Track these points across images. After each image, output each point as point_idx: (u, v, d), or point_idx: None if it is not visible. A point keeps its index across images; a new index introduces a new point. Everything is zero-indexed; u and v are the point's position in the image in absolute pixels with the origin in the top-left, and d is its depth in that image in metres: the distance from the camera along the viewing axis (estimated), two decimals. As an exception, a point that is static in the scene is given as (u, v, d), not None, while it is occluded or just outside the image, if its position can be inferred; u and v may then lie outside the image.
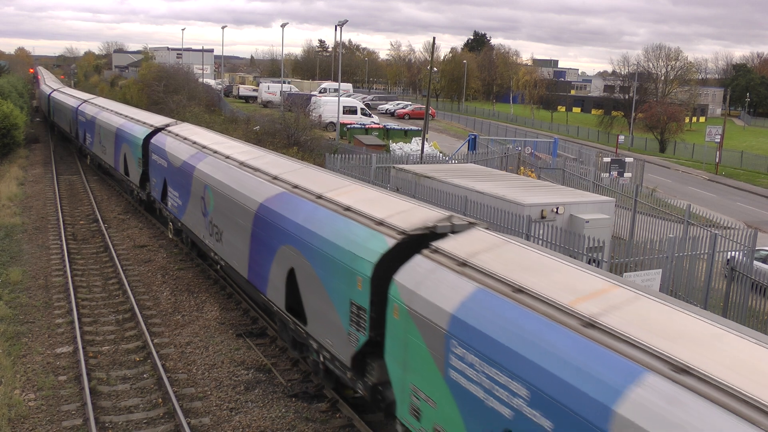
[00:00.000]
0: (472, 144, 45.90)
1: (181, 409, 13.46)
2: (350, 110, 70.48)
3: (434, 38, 57.40)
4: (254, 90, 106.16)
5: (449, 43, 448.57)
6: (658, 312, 8.04)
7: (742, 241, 20.28)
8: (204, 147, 22.32)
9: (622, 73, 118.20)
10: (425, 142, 48.61)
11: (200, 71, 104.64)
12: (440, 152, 48.38)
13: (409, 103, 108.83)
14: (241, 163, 19.15)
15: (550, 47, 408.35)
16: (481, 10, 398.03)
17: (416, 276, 10.55)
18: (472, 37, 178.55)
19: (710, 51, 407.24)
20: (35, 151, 52.15)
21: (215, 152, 21.29)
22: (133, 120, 32.30)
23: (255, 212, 16.24)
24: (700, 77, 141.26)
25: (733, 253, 19.60)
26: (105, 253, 24.59)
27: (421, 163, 34.13)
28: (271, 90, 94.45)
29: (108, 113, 37.36)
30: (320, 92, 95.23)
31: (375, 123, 67.27)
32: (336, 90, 74.81)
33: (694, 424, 6.34)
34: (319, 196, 14.55)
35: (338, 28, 60.96)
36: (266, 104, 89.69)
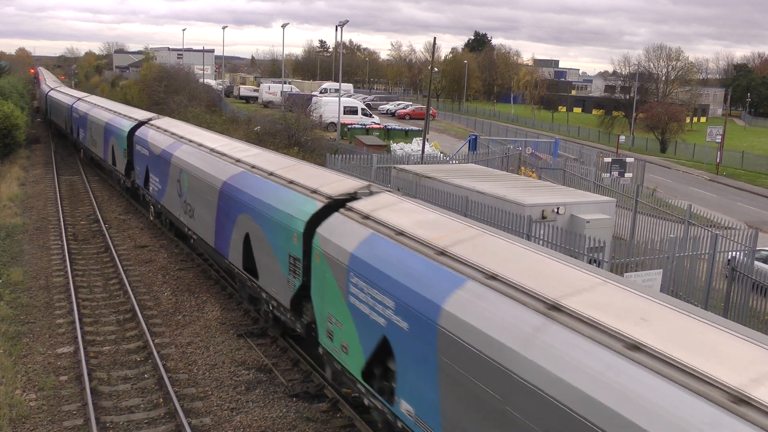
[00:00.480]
0: (473, 144, 45.90)
1: (182, 409, 13.47)
2: (351, 110, 70.47)
3: (435, 38, 57.44)
4: (255, 90, 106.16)
5: (450, 43, 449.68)
6: (491, 243, 10.70)
7: (743, 242, 20.27)
8: (181, 137, 25.24)
9: (623, 73, 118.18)
10: (426, 143, 48.62)
11: (201, 72, 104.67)
12: (441, 152, 48.41)
13: (410, 103, 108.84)
14: (211, 150, 22.07)
15: (551, 47, 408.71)
16: (481, 10, 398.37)
17: (331, 228, 13.14)
18: (472, 38, 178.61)
19: (710, 51, 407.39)
20: (36, 151, 52.17)
21: (190, 141, 24.16)
22: (120, 115, 35.67)
23: (219, 189, 19.01)
24: (701, 77, 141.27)
25: (734, 253, 19.60)
26: (106, 254, 24.60)
27: (421, 163, 34.15)
28: (271, 90, 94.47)
29: (98, 109, 40.31)
30: (321, 92, 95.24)
31: (376, 123, 67.24)
32: (337, 90, 74.80)
33: (490, 310, 8.91)
34: (271, 173, 17.26)
35: (339, 28, 60.99)
36: (267, 104, 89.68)
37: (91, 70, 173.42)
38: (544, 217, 19.68)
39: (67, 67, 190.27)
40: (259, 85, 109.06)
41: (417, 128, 63.50)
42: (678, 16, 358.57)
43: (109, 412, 13.61)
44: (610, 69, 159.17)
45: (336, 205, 13.87)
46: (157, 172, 26.17)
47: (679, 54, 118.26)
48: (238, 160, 19.53)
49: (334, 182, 15.32)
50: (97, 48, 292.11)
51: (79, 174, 41.53)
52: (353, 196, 14.08)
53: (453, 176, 24.07)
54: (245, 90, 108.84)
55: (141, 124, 30.85)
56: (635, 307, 8.05)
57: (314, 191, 14.86)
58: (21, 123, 48.37)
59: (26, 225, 28.35)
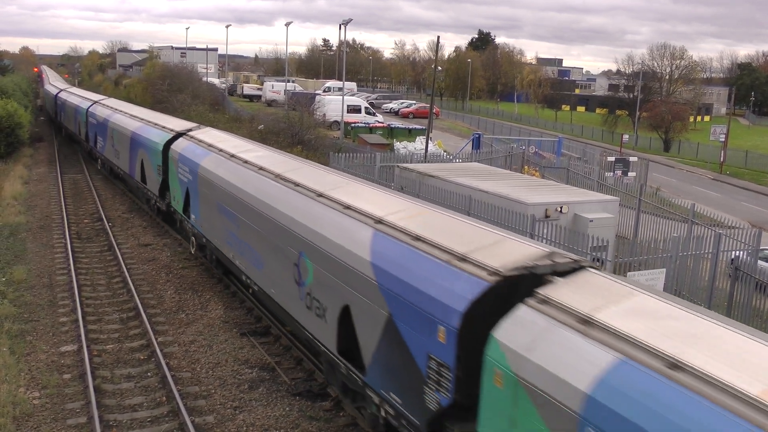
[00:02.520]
0: (476, 143, 45.91)
1: (185, 407, 13.48)
2: (354, 109, 70.43)
3: (438, 37, 57.48)
4: (258, 89, 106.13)
5: (451, 41, 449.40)
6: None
7: (747, 241, 20.24)
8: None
9: (627, 72, 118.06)
10: (429, 141, 48.59)
11: (204, 70, 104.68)
12: (444, 151, 48.39)
13: (414, 102, 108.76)
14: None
15: (553, 46, 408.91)
16: (482, 9, 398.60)
17: None
18: (476, 36, 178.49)
19: (712, 50, 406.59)
20: (39, 149, 52.20)
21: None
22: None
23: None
24: (704, 76, 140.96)
25: (738, 252, 19.57)
26: (109, 252, 24.62)
27: (425, 162, 34.14)
28: (275, 89, 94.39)
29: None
30: (324, 91, 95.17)
31: (379, 122, 67.20)
32: (340, 89, 74.76)
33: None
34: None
35: (342, 26, 61.00)
36: (270, 103, 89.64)
37: (94, 69, 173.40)
38: (547, 216, 19.67)
39: (70, 65, 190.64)
40: (262, 84, 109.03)
41: (420, 127, 63.44)
42: (679, 15, 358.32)
43: (112, 410, 13.63)
44: (614, 68, 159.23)
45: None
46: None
47: (683, 53, 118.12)
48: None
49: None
50: (100, 47, 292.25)
51: (82, 172, 41.56)
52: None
53: (456, 175, 24.06)
54: (249, 88, 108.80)
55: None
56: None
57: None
58: (24, 121, 48.44)
59: (30, 223, 28.38)
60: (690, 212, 23.92)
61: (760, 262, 19.38)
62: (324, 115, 62.65)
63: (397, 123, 69.84)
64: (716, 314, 8.25)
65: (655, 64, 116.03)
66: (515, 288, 9.33)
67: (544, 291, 8.87)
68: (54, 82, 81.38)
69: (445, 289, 9.80)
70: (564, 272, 9.46)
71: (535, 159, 41.21)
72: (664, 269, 17.52)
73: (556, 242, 18.00)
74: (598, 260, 17.00)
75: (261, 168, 17.97)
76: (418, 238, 11.08)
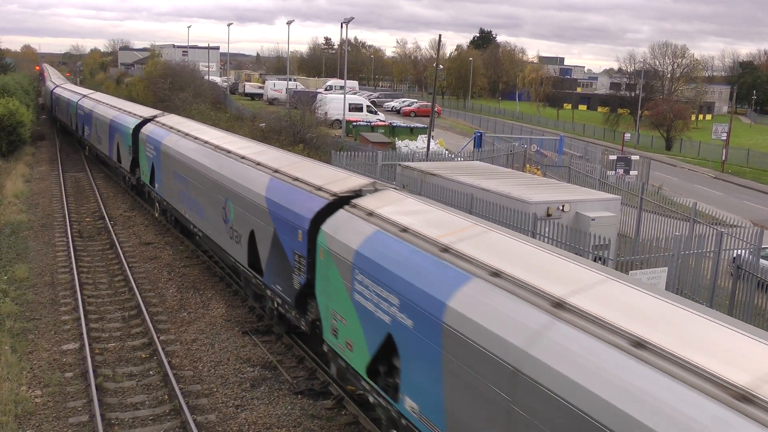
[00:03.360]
0: (478, 141, 45.90)
1: (187, 405, 13.49)
2: (356, 107, 70.45)
3: (440, 35, 57.60)
4: (260, 87, 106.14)
5: (452, 40, 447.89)
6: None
7: (749, 240, 20.22)
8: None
9: (629, 70, 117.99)
10: (431, 140, 48.58)
11: (206, 69, 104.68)
12: (446, 150, 48.34)
13: (415, 100, 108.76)
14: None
15: (554, 44, 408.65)
16: (482, 8, 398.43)
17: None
18: (478, 35, 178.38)
19: (713, 48, 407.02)
20: (41, 148, 52.25)
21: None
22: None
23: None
24: (706, 75, 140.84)
25: (740, 251, 19.56)
26: (111, 250, 24.64)
27: (426, 160, 34.12)
28: (276, 87, 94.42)
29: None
30: (326, 89, 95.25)
31: (381, 120, 67.21)
32: (342, 87, 74.73)
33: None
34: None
35: (344, 25, 60.99)
36: (272, 101, 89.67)
37: (96, 68, 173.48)
38: (549, 215, 19.66)
39: (72, 64, 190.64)
40: (264, 82, 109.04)
41: (422, 125, 63.42)
42: (679, 14, 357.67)
43: (114, 408, 13.64)
44: (616, 66, 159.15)
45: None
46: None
47: (685, 51, 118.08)
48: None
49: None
50: (102, 45, 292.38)
51: (84, 171, 41.59)
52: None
53: (458, 173, 24.05)
54: (250, 87, 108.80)
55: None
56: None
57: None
58: (26, 120, 48.45)
59: (31, 222, 28.41)
60: (692, 211, 23.89)
61: (762, 261, 19.37)
62: (326, 113, 62.63)
63: (398, 121, 69.82)
64: (446, 207, 13.13)
65: (657, 63, 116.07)
66: (343, 202, 13.87)
67: (356, 201, 13.66)
68: (53, 80, 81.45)
69: (304, 207, 14.59)
70: (376, 191, 14.28)
71: (537, 157, 41.22)
72: (666, 268, 17.51)
73: (558, 241, 18.00)
74: (599, 258, 17.00)
75: (206, 142, 23.02)
76: (297, 179, 16.03)
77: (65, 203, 31.83)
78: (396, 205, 13.13)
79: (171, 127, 27.16)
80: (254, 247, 17.09)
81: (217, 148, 21.70)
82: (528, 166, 37.76)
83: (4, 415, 13.03)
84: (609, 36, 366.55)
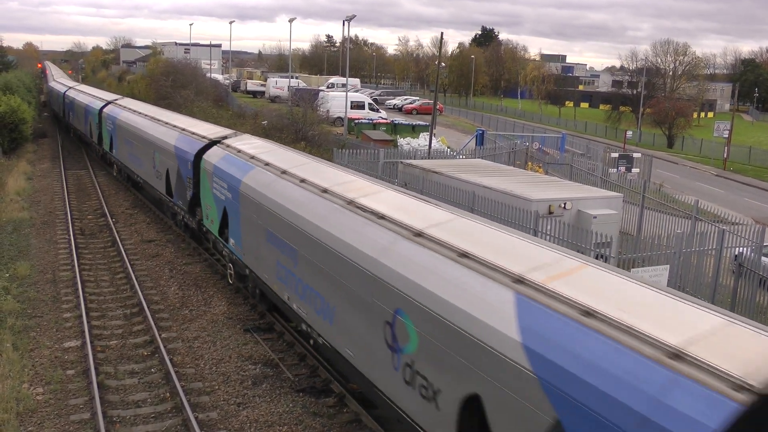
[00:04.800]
0: (480, 139, 45.84)
1: (189, 403, 13.50)
2: (358, 105, 70.45)
3: (442, 33, 57.29)
4: (262, 85, 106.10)
5: (453, 38, 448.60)
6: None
7: (750, 237, 20.20)
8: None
9: (631, 68, 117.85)
10: (433, 138, 48.56)
11: (208, 66, 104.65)
12: (448, 147, 48.30)
13: (417, 98, 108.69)
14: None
15: (554, 42, 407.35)
16: (482, 5, 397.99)
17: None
18: (479, 33, 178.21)
19: (714, 46, 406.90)
20: (43, 145, 52.26)
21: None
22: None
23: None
24: (708, 72, 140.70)
25: (741, 248, 19.53)
26: (113, 248, 24.65)
27: (428, 158, 34.11)
28: (278, 85, 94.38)
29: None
30: (328, 87, 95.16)
31: (383, 118, 67.22)
32: (344, 85, 74.69)
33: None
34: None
35: (346, 23, 60.96)
36: (274, 99, 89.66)
37: (98, 65, 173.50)
38: (550, 213, 19.65)
39: (74, 61, 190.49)
40: (266, 80, 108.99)
41: (424, 123, 63.42)
42: (679, 12, 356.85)
43: (115, 406, 13.65)
44: (617, 64, 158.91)
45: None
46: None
47: (686, 49, 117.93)
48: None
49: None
50: (103, 42, 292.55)
51: (86, 168, 41.60)
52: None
53: (460, 171, 24.04)
54: (252, 85, 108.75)
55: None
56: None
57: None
58: (28, 117, 48.49)
59: (33, 219, 28.42)
60: (693, 209, 23.87)
61: (764, 259, 19.34)
62: (327, 111, 62.68)
63: (400, 119, 69.81)
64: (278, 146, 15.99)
65: (659, 61, 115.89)
66: (217, 142, 22.10)
67: (225, 141, 21.99)
68: (63, 80, 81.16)
69: (193, 148, 23.05)
70: (236, 135, 23.23)
71: (539, 155, 41.15)
72: (668, 265, 17.49)
73: (560, 238, 17.99)
74: (601, 256, 16.99)
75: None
76: (184, 130, 25.56)
77: (67, 200, 31.84)
78: (242, 142, 21.47)
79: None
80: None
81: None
82: (530, 163, 37.72)
83: (5, 412, 13.03)
84: (610, 34, 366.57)
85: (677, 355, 6.67)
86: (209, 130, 25.29)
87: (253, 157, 18.82)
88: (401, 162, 27.61)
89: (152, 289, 20.50)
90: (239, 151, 20.02)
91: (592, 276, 8.77)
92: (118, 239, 25.23)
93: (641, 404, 6.47)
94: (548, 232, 18.36)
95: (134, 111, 33.95)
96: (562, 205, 19.91)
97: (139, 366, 15.51)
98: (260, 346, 16.63)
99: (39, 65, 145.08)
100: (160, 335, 16.81)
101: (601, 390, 6.91)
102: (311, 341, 14.49)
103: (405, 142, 52.21)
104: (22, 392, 13.93)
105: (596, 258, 16.68)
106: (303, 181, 15.47)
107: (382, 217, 12.19)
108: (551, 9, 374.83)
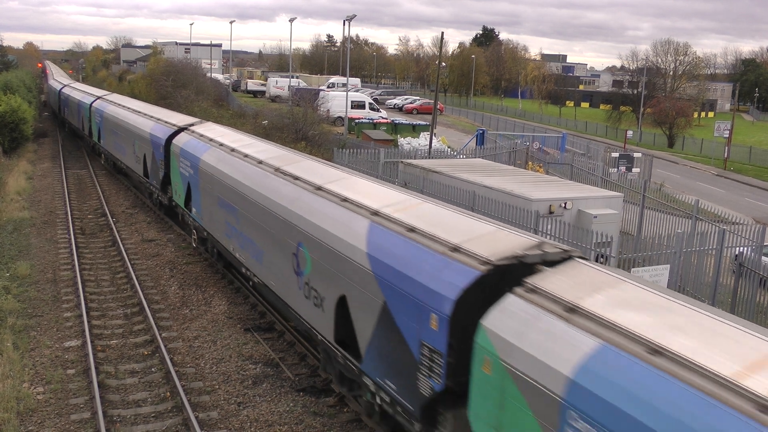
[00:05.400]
0: (480, 139, 45.82)
1: (189, 403, 13.50)
2: (358, 105, 70.47)
3: (442, 33, 57.26)
4: (262, 85, 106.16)
5: (453, 37, 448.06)
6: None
7: (751, 237, 20.19)
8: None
9: (631, 68, 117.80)
10: (433, 137, 48.56)
11: (208, 66, 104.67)
12: (448, 147, 48.33)
13: (418, 98, 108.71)
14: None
15: (555, 42, 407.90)
16: (482, 5, 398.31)
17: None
18: (480, 32, 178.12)
19: (714, 45, 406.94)
20: (43, 145, 52.26)
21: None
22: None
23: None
24: (708, 72, 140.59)
25: (742, 248, 19.52)
26: (113, 247, 24.65)
27: (429, 158, 34.09)
28: (279, 85, 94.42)
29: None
30: (328, 87, 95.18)
31: (383, 118, 67.23)
32: (344, 85, 74.69)
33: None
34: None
35: (347, 22, 60.94)
36: (274, 99, 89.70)
37: (98, 65, 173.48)
38: (551, 212, 19.64)
39: (74, 61, 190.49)
40: (266, 80, 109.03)
41: (424, 123, 63.44)
42: (679, 11, 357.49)
43: (116, 405, 13.65)
44: (618, 64, 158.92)
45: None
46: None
47: (687, 49, 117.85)
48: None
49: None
50: (104, 42, 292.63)
51: (86, 168, 41.60)
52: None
53: (460, 171, 24.03)
54: (253, 84, 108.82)
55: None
56: None
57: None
58: (28, 117, 48.48)
59: (34, 219, 28.42)
60: (694, 208, 23.87)
61: (765, 259, 19.33)
62: (328, 110, 62.72)
63: (401, 119, 69.82)
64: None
65: (659, 60, 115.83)
66: (184, 129, 25.16)
67: (191, 128, 25.07)
68: (58, 78, 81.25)
69: (164, 134, 25.97)
70: (201, 123, 26.29)
71: (539, 155, 41.16)
72: (668, 265, 17.49)
73: (560, 238, 17.98)
74: (602, 256, 16.98)
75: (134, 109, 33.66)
76: (158, 120, 27.33)
77: (67, 200, 31.84)
78: (205, 128, 24.71)
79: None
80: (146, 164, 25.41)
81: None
82: (530, 163, 37.72)
83: (6, 412, 13.04)
84: (610, 33, 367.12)
85: (455, 248, 10.42)
86: (179, 119, 29.26)
87: (211, 140, 22.50)
88: (401, 161, 27.60)
89: (152, 289, 20.50)
90: (201, 135, 23.76)
91: (425, 209, 12.46)
92: (118, 239, 25.23)
93: (426, 279, 10.21)
94: (549, 232, 18.35)
95: (119, 105, 38.10)
96: (563, 205, 19.91)
97: (140, 365, 15.51)
98: (261, 345, 16.64)
99: (39, 65, 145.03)
100: (160, 335, 16.81)
101: (405, 275, 10.63)
102: (250, 282, 18.39)
103: (405, 142, 52.21)
104: (22, 391, 13.93)
105: (596, 259, 16.71)
106: (246, 156, 19.24)
107: (296, 178, 15.97)
108: (551, 8, 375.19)
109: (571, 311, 8.36)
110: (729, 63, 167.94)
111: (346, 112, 58.58)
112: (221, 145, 21.43)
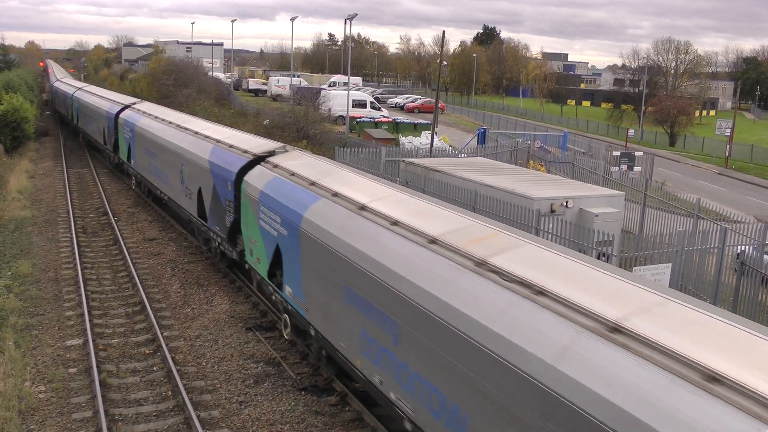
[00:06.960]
0: (482, 138, 45.87)
1: (191, 401, 13.50)
2: (360, 104, 70.48)
3: (443, 32, 57.26)
4: (264, 84, 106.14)
5: (454, 36, 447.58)
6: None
7: (752, 235, 20.18)
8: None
9: (632, 66, 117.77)
10: (435, 136, 48.56)
11: (210, 65, 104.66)
12: (450, 146, 48.31)
13: (419, 96, 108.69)
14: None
15: (555, 40, 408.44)
16: (482, 4, 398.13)
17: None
18: (481, 31, 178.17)
19: (714, 44, 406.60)
20: (45, 144, 52.29)
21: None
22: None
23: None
24: (709, 71, 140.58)
25: (743, 247, 19.51)
26: (115, 246, 24.66)
27: (430, 156, 34.11)
28: (280, 83, 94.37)
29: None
30: (330, 86, 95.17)
31: (384, 116, 67.21)
32: (345, 83, 74.69)
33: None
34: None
35: (348, 21, 60.94)
36: (276, 98, 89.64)
37: (100, 64, 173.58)
38: (552, 211, 19.63)
39: (76, 60, 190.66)
40: (267, 79, 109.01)
41: (426, 122, 63.38)
42: (678, 9, 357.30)
43: (117, 404, 13.66)
44: (619, 62, 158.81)
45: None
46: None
47: (688, 47, 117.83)
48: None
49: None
50: (105, 41, 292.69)
51: (88, 167, 41.62)
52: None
53: (462, 170, 24.03)
54: (254, 83, 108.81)
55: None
56: None
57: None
58: (30, 116, 48.51)
59: (35, 217, 28.44)
60: (695, 207, 23.86)
61: (766, 257, 19.31)
62: (329, 109, 62.69)
63: (402, 118, 69.84)
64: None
65: (660, 59, 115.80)
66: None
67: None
68: (63, 79, 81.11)
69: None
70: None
71: (541, 154, 41.18)
72: (670, 264, 17.48)
73: (562, 237, 17.98)
74: (603, 255, 16.98)
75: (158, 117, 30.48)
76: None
77: (69, 199, 31.86)
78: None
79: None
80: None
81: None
82: (531, 162, 37.72)
83: (7, 410, 13.04)
84: (610, 32, 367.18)
85: (245, 151, 19.59)
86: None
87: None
88: (403, 160, 27.61)
89: (154, 288, 20.51)
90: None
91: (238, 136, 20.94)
92: (120, 237, 25.25)
93: (228, 166, 19.72)
94: (550, 231, 18.35)
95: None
96: (564, 204, 19.90)
97: (141, 364, 15.52)
98: (262, 344, 16.64)
99: (41, 64, 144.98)
100: (162, 333, 16.82)
101: (221, 166, 19.95)
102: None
103: (407, 141, 52.21)
104: (24, 390, 13.94)
105: (598, 257, 16.69)
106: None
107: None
108: (551, 7, 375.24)
109: (276, 167, 17.16)
110: (730, 61, 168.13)
111: (348, 111, 58.58)
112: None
